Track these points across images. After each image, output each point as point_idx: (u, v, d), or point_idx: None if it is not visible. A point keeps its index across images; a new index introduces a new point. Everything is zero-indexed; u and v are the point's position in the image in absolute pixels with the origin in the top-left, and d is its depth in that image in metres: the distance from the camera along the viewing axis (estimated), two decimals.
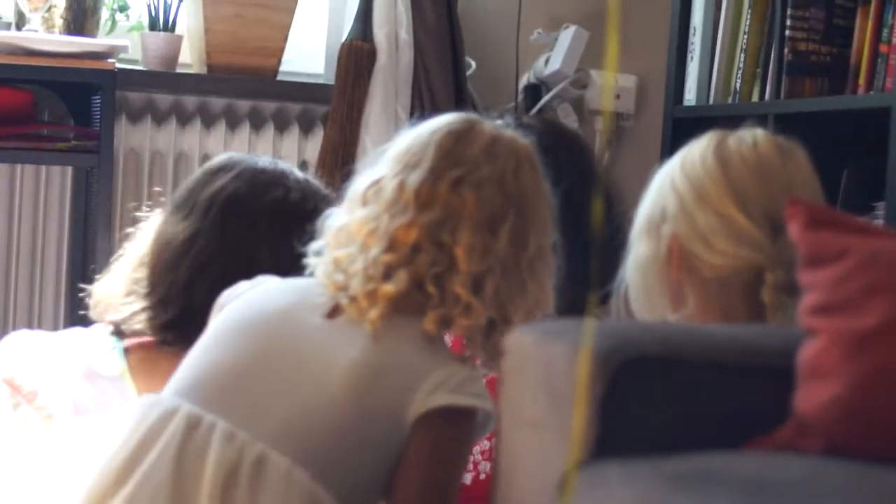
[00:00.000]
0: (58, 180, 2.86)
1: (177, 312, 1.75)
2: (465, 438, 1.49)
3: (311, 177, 1.89)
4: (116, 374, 1.76)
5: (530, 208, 1.54)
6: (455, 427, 1.46)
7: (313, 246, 1.58)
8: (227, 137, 2.93)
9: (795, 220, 1.34)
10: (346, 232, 1.54)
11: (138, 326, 1.79)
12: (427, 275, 1.49)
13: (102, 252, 2.62)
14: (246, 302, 1.58)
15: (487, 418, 1.48)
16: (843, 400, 1.22)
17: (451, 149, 1.54)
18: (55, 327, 2.84)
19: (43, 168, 2.83)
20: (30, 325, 2.84)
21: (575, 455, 1.23)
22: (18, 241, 2.83)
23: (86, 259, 2.79)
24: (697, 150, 1.64)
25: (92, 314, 1.87)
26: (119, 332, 1.81)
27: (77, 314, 2.82)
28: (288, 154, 2.97)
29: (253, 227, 1.78)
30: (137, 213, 1.95)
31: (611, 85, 3.28)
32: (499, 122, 1.65)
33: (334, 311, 1.51)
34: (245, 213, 1.79)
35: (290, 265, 1.63)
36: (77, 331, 1.88)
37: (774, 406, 1.28)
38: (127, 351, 1.78)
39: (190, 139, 2.91)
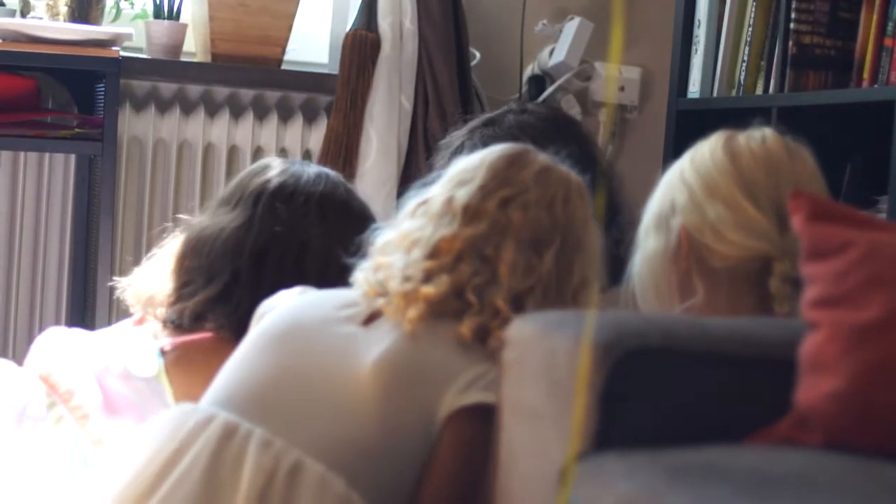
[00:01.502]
0: (61, 168, 2.86)
1: (245, 298, 1.76)
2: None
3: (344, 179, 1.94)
4: (152, 374, 1.76)
5: (578, 238, 1.55)
6: (487, 425, 1.43)
7: (362, 265, 1.58)
8: (230, 126, 2.93)
9: (798, 212, 1.34)
10: (390, 244, 1.56)
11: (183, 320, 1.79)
12: (468, 284, 1.49)
13: (105, 240, 2.62)
14: (281, 314, 1.59)
15: None
16: (843, 393, 1.22)
17: (503, 170, 1.56)
18: (57, 315, 2.84)
19: (46, 155, 2.83)
20: (32, 313, 2.85)
21: (575, 446, 1.23)
22: (21, 228, 2.83)
23: (88, 247, 2.79)
24: (707, 147, 1.65)
25: (135, 310, 1.88)
26: (166, 328, 1.81)
27: (79, 303, 2.83)
28: (291, 144, 2.96)
29: (304, 214, 1.83)
30: (180, 216, 1.99)
31: (615, 77, 3.28)
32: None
33: (370, 318, 1.52)
34: (294, 200, 1.84)
35: (341, 256, 1.65)
36: (114, 330, 1.88)
37: (776, 398, 1.28)
38: (163, 351, 1.78)
39: (193, 128, 2.91)
